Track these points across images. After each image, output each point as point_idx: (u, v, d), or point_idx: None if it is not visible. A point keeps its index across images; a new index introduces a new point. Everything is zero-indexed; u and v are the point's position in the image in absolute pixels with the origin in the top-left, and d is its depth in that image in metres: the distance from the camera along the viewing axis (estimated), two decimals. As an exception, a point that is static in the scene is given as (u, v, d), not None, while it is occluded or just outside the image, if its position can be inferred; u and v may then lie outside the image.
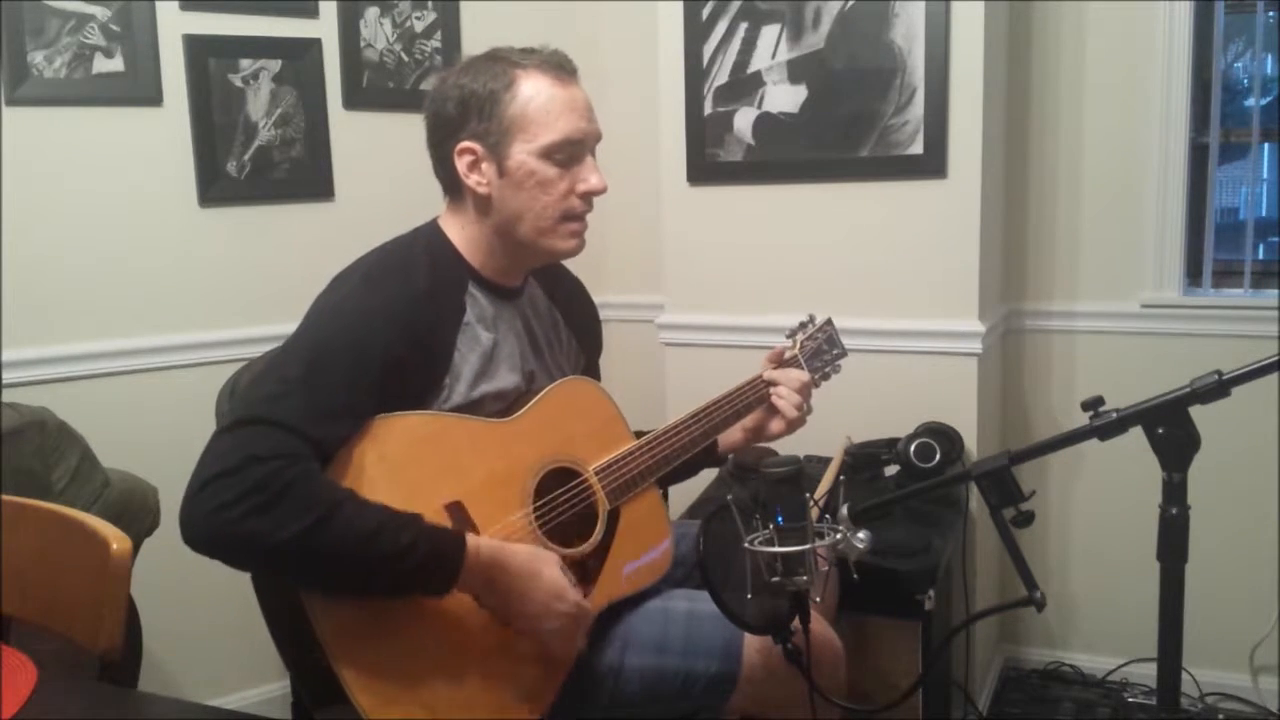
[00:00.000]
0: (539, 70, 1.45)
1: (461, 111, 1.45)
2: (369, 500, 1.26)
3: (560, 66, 1.47)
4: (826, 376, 1.86)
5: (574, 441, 1.53)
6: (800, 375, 1.75)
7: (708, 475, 2.25)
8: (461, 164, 1.46)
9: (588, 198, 1.49)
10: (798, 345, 1.83)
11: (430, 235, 1.52)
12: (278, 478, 1.19)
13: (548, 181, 1.45)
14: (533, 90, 1.44)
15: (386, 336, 1.35)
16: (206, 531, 1.19)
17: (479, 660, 1.35)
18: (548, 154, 1.44)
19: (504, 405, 1.49)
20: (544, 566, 1.36)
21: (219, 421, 1.49)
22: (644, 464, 1.57)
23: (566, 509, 1.49)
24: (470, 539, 1.29)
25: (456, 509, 1.37)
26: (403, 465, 1.30)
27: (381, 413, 1.34)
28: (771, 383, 1.73)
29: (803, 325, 1.86)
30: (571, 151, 1.46)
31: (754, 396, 1.73)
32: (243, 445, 1.21)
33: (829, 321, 1.90)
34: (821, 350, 1.85)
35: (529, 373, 1.55)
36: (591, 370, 1.75)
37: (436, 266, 1.46)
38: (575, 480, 1.52)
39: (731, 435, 1.77)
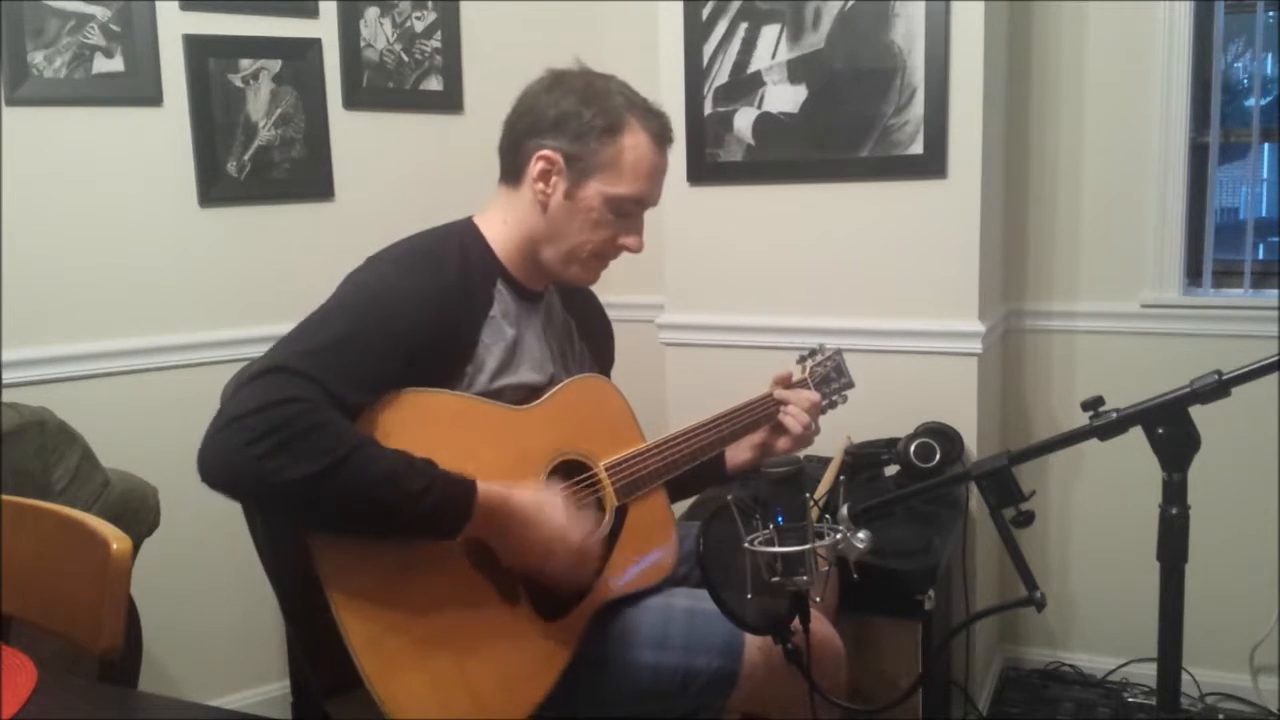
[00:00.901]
0: (645, 128, 1.53)
1: (560, 122, 1.50)
2: (385, 446, 1.28)
3: (663, 134, 1.57)
4: (833, 404, 1.91)
5: (587, 436, 1.56)
6: (810, 395, 1.80)
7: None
8: (535, 167, 1.51)
9: (621, 251, 1.57)
10: (806, 371, 1.87)
11: (464, 230, 1.55)
12: (302, 419, 1.21)
13: (601, 223, 1.53)
14: (633, 143, 1.52)
15: (414, 321, 1.38)
16: (226, 468, 1.21)
17: (485, 635, 1.37)
18: (615, 202, 1.52)
19: (522, 397, 1.51)
20: (545, 509, 1.38)
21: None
22: (653, 465, 1.61)
23: (574, 501, 1.50)
24: (480, 485, 1.32)
25: None
26: (420, 439, 1.32)
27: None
28: (782, 401, 1.77)
29: (812, 352, 1.92)
30: (632, 209, 1.55)
31: (763, 413, 1.77)
32: (269, 389, 1.23)
33: (838, 351, 1.95)
34: (829, 378, 1.90)
35: (550, 374, 1.57)
36: None
37: (467, 259, 1.50)
38: (585, 474, 1.54)
39: (739, 454, 1.80)
